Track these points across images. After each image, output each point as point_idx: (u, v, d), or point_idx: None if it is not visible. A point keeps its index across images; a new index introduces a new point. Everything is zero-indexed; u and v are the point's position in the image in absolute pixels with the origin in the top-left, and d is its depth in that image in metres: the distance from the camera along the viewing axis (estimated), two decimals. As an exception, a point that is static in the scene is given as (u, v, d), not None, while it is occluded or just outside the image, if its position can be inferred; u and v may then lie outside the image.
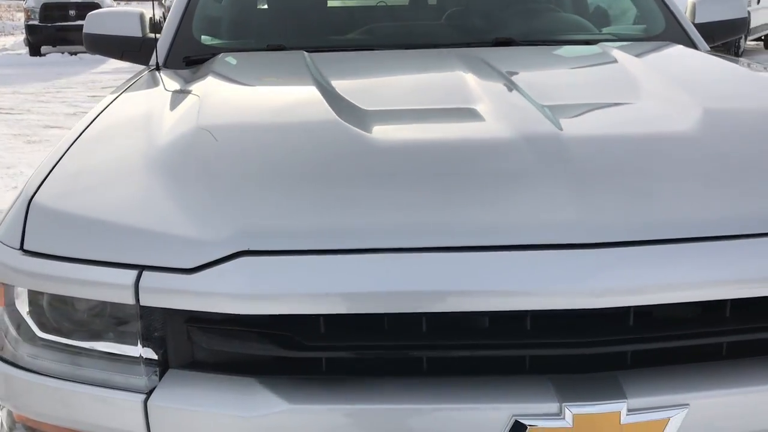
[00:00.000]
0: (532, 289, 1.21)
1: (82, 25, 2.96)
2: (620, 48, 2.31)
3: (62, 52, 16.39)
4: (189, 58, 2.50)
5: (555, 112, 1.59)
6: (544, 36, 2.55)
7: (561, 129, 1.48)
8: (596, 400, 1.20)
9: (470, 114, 1.64)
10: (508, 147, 1.44)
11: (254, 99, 1.98)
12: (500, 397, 1.22)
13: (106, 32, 2.82)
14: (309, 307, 1.20)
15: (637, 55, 2.20)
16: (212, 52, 2.48)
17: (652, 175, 1.41)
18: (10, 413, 1.45)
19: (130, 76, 2.47)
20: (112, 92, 2.17)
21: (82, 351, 1.33)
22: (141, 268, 1.26)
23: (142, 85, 2.21)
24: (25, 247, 1.34)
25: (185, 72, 2.31)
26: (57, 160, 1.56)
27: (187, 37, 2.57)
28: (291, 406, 1.21)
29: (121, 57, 2.83)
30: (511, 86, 1.78)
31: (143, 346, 1.28)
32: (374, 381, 1.25)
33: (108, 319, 1.31)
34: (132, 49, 2.76)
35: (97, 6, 15.90)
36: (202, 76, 2.06)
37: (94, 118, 1.82)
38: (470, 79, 1.85)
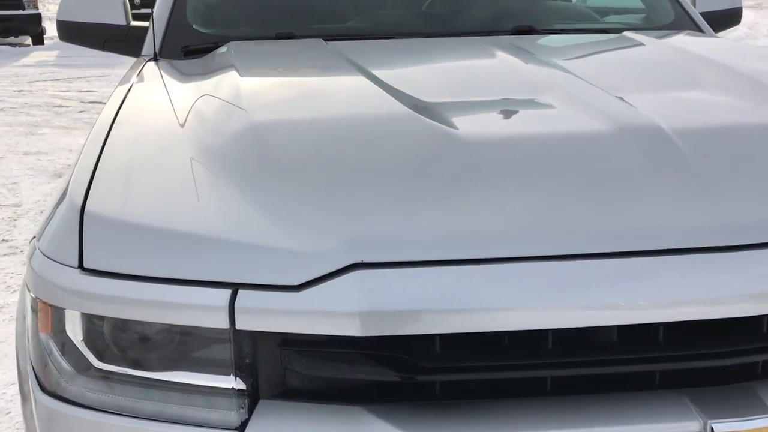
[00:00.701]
0: (667, 299, 1.11)
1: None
2: (649, 36, 2.24)
3: (-24, 44, 15.56)
4: (188, 48, 2.31)
5: (637, 103, 1.49)
6: (563, 25, 2.47)
7: (660, 123, 1.38)
8: (742, 416, 1.11)
9: (550, 107, 1.53)
10: (612, 143, 1.33)
11: (307, 92, 1.79)
12: (637, 417, 1.11)
13: (84, 20, 2.58)
14: (437, 326, 1.06)
15: (674, 44, 2.14)
16: (214, 41, 2.30)
17: None
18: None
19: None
20: (118, 86, 1.97)
21: (155, 383, 1.15)
22: (235, 287, 1.09)
23: (152, 78, 2.00)
24: (85, 266, 1.16)
25: (195, 63, 2.12)
26: (94, 163, 1.37)
27: (183, 25, 2.38)
28: None
29: (103, 47, 2.60)
30: (572, 76, 1.67)
31: (234, 376, 1.12)
32: (496, 405, 1.13)
33: (191, 346, 1.14)
34: (116, 38, 2.54)
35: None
36: (224, 68, 1.87)
37: (115, 116, 1.63)
38: (523, 68, 1.74)
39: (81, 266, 1.15)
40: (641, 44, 2.15)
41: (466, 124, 1.41)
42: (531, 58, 1.85)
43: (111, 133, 1.51)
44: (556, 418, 1.11)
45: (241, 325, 1.08)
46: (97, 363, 1.18)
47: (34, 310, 1.24)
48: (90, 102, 9.07)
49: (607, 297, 1.10)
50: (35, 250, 1.24)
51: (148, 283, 1.11)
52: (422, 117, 1.42)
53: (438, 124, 1.39)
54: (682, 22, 2.60)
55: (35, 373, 1.23)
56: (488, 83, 1.74)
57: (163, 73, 2.04)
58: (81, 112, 8.46)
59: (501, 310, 1.07)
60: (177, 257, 1.13)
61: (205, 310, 1.09)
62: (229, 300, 1.08)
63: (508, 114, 1.54)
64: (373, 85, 1.62)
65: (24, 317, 1.36)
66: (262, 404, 1.13)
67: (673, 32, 2.44)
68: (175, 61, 2.20)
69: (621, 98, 1.52)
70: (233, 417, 1.12)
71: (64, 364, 1.20)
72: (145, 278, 1.12)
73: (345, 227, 1.13)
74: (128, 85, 1.92)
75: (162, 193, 1.28)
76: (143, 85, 1.93)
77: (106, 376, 1.17)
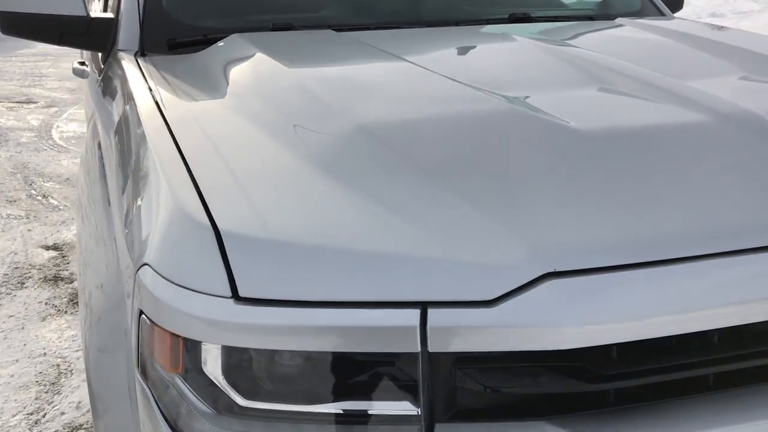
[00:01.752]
0: None
1: None
2: (644, 23, 2.28)
3: None
4: (173, 42, 2.12)
5: (713, 90, 1.51)
6: (556, 12, 2.47)
7: (756, 110, 1.40)
8: None
9: (637, 96, 1.50)
10: (726, 133, 1.33)
11: (383, 88, 1.61)
12: None
13: (33, 10, 2.29)
14: (635, 332, 1.02)
15: (682, 30, 2.17)
16: (202, 34, 2.12)
17: None
18: None
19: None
20: (117, 86, 1.78)
21: (316, 417, 1.04)
22: (424, 306, 1.00)
23: (169, 75, 1.80)
24: (241, 295, 1.03)
25: (200, 57, 1.93)
26: (188, 177, 1.21)
27: (162, 17, 2.17)
28: None
29: (59, 41, 2.31)
30: (628, 63, 1.67)
31: (416, 400, 1.03)
32: (670, 405, 1.10)
33: (363, 373, 1.04)
34: (75, 31, 2.27)
35: None
36: (255, 61, 1.72)
37: (164, 121, 1.45)
38: (568, 57, 1.72)
39: (236, 296, 1.02)
40: (650, 30, 2.17)
41: (577, 119, 1.37)
42: (564, 45, 1.83)
43: (178, 141, 1.35)
44: (729, 412, 1.10)
45: (434, 346, 0.99)
46: (241, 401, 1.05)
47: (149, 354, 1.09)
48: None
49: None
50: (157, 278, 1.08)
51: (321, 309, 1.00)
52: (532, 113, 1.36)
53: (554, 119, 1.34)
54: (650, 9, 2.67)
55: (165, 418, 1.08)
56: (543, 74, 1.69)
57: (174, 70, 1.85)
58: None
59: (691, 311, 1.05)
60: (353, 278, 1.02)
61: (393, 333, 0.99)
62: (419, 320, 0.99)
63: (602, 106, 1.50)
64: (447, 79, 1.54)
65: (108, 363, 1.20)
66: (440, 429, 1.05)
67: (660, 18, 2.50)
68: (170, 56, 2.01)
69: (697, 86, 1.53)
70: None
71: (202, 405, 1.06)
72: (317, 303, 1.00)
73: (529, 236, 1.05)
74: (140, 84, 1.73)
75: (299, 208, 1.13)
76: (164, 83, 1.73)
77: (256, 415, 1.05)
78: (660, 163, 1.26)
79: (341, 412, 1.04)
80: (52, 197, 5.26)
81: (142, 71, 1.85)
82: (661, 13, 2.70)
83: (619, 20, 2.34)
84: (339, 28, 2.11)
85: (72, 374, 3.13)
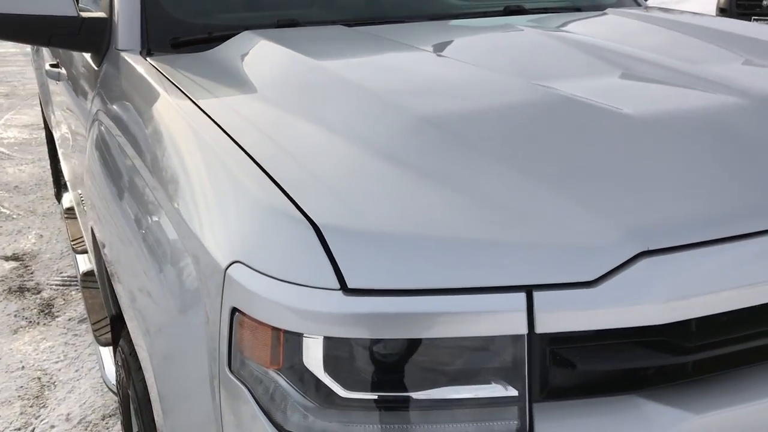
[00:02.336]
0: None
1: None
2: (634, 13, 2.34)
3: None
4: (177, 40, 2.08)
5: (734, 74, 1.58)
6: (546, 4, 2.52)
7: None
8: None
9: (673, 83, 1.55)
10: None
11: (426, 80, 1.59)
12: None
13: (20, 11, 2.21)
14: (724, 304, 1.07)
15: (678, 19, 2.24)
16: (208, 32, 2.09)
17: None
18: None
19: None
20: (139, 89, 1.73)
21: (420, 404, 1.05)
22: (529, 289, 1.03)
23: (196, 75, 1.75)
24: (350, 286, 1.03)
25: (218, 54, 1.89)
26: (267, 177, 1.20)
27: (163, 15, 2.13)
28: (699, 417, 1.08)
29: (48, 42, 2.23)
30: (646, 51, 1.72)
31: (514, 383, 1.05)
32: (749, 372, 1.16)
33: (463, 358, 1.05)
34: (66, 31, 2.20)
35: None
36: (284, 57, 1.70)
37: (214, 122, 1.42)
38: (584, 46, 1.76)
39: (344, 287, 1.02)
40: (644, 20, 2.24)
41: (626, 105, 1.41)
42: (576, 35, 1.88)
43: (237, 140, 1.33)
44: None
45: (540, 328, 1.02)
46: (342, 392, 1.06)
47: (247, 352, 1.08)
48: None
49: None
50: (254, 275, 1.07)
51: (430, 296, 1.01)
52: (589, 101, 1.40)
53: (607, 106, 1.38)
54: (628, 0, 2.76)
55: (266, 414, 1.07)
56: (569, 63, 1.73)
57: (194, 68, 1.82)
58: None
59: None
60: (459, 265, 1.03)
61: (500, 317, 1.01)
62: (526, 303, 1.02)
63: (640, 92, 1.55)
64: (488, 71, 1.56)
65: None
66: (539, 408, 1.08)
67: (644, 8, 2.58)
68: (181, 55, 1.97)
69: (716, 70, 1.60)
70: (515, 426, 1.06)
71: (303, 398, 1.06)
72: (425, 291, 1.02)
73: (621, 218, 1.09)
74: (165, 84, 1.69)
75: (389, 199, 1.13)
76: (191, 82, 1.69)
77: (359, 405, 1.06)
78: (719, 143, 1.31)
79: (443, 397, 1.06)
80: (2, 206, 5.07)
81: (160, 71, 1.81)
82: (638, 4, 2.79)
83: (609, 11, 2.41)
84: (346, 24, 2.11)
85: (56, 386, 3.04)
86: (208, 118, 1.45)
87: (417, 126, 1.32)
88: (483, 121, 1.34)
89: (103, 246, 1.80)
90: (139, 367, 1.56)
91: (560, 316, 1.02)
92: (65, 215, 3.92)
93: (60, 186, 4.75)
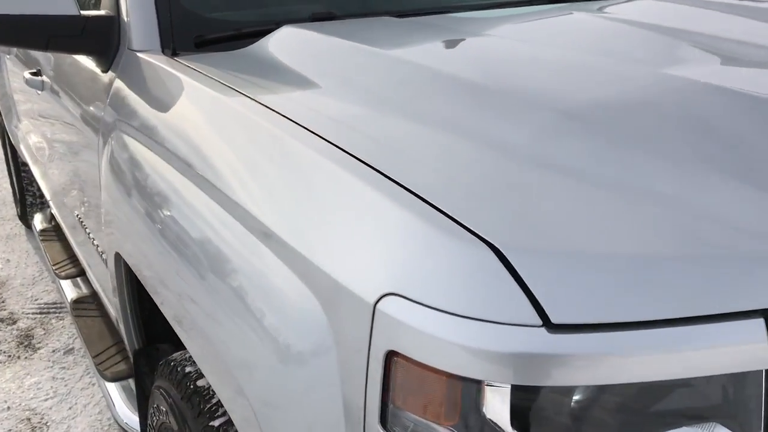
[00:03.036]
0: None
1: None
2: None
3: None
4: (202, 38, 1.85)
5: None
6: None
7: None
8: None
9: (746, 62, 1.41)
10: None
11: (531, 70, 1.41)
12: None
13: (12, 11, 1.94)
14: None
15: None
16: (234, 29, 1.87)
17: None
18: None
19: None
20: (187, 94, 1.51)
21: None
22: (765, 313, 0.85)
23: (252, 74, 1.52)
24: (554, 321, 0.84)
25: (261, 51, 1.66)
26: (400, 188, 0.99)
27: (182, 12, 1.89)
28: None
29: (46, 46, 1.97)
30: (694, 32, 1.59)
31: (739, 423, 0.88)
32: None
33: (698, 399, 0.87)
34: (68, 33, 1.94)
35: None
36: (352, 53, 1.49)
37: (300, 125, 1.21)
38: (669, 31, 1.61)
39: (547, 323, 0.83)
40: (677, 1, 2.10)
41: (755, 88, 1.24)
42: (649, 21, 1.73)
43: (337, 144, 1.12)
44: None
45: None
46: None
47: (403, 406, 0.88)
48: None
49: None
50: (422, 311, 0.87)
51: (650, 329, 0.83)
52: (727, 87, 1.23)
53: (749, 91, 1.21)
54: None
55: None
56: (664, 49, 1.57)
57: (242, 67, 1.59)
58: None
59: None
60: (678, 290, 0.85)
61: (735, 349, 0.84)
62: (767, 331, 0.84)
63: (752, 74, 1.38)
64: (602, 57, 1.39)
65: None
66: None
67: None
68: (214, 54, 1.75)
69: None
70: None
71: None
72: (644, 324, 0.83)
73: None
74: (216, 86, 1.46)
75: (568, 215, 0.93)
76: (245, 83, 1.46)
77: None
78: None
79: None
80: (-40, 230, 4.69)
81: (204, 73, 1.57)
82: None
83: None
84: (395, 16, 1.91)
85: (49, 428, 2.75)
86: (293, 123, 1.23)
87: (560, 123, 1.13)
88: (634, 116, 1.15)
89: (143, 275, 1.56)
90: (208, 417, 1.34)
91: None
92: (41, 237, 3.60)
93: (25, 206, 4.41)
